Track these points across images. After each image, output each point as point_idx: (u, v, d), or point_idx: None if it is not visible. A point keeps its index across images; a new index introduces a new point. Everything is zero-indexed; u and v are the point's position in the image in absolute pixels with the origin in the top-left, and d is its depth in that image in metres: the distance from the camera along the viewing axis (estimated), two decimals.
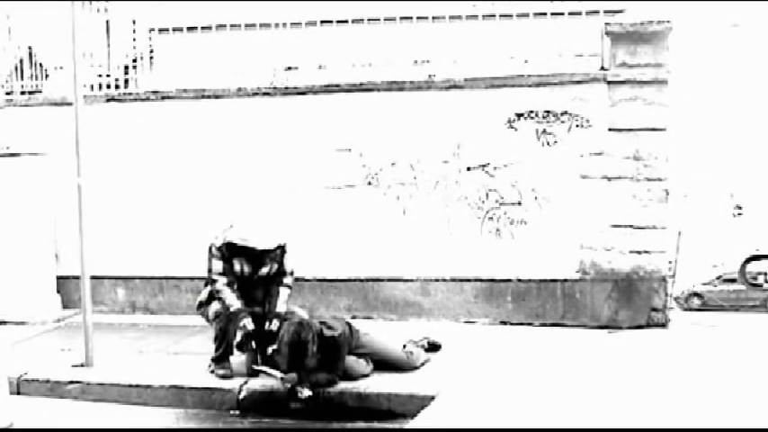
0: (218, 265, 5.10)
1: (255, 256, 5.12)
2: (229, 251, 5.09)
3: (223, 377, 5.07)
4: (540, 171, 6.69)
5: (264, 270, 5.21)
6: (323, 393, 4.73)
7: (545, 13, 6.94)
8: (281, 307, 5.19)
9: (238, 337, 5.15)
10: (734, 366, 5.21)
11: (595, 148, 6.61)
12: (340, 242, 6.97)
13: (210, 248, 5.13)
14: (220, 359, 5.13)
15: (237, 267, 5.13)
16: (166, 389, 5.04)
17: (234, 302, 5.03)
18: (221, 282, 5.08)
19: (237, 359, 5.23)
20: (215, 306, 5.14)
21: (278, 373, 4.77)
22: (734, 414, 4.13)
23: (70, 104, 5.53)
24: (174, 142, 7.28)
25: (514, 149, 6.72)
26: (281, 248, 5.24)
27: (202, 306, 5.27)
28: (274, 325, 5.06)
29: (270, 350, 5.21)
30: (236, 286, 5.11)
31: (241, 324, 5.03)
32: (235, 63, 7.32)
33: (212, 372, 5.14)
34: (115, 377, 5.20)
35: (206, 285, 5.25)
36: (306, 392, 4.63)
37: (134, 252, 7.38)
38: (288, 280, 5.30)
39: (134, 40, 8.22)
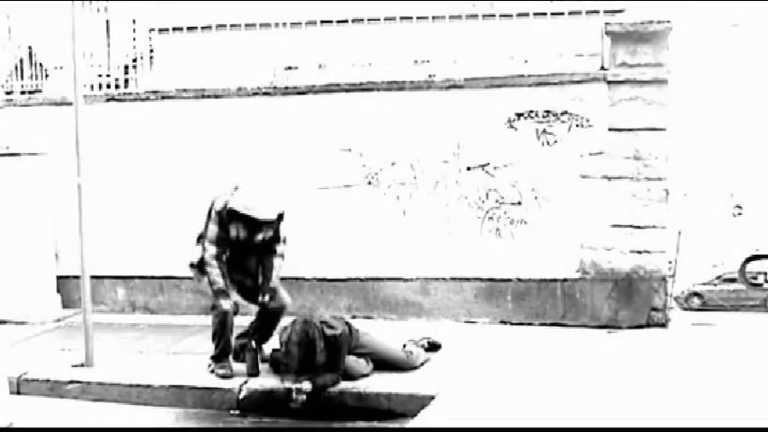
0: (213, 231, 5.05)
1: (254, 224, 5.08)
2: (229, 216, 5.03)
3: (223, 377, 5.06)
4: (540, 171, 6.69)
5: (260, 236, 5.16)
6: (323, 393, 4.73)
7: (545, 13, 6.94)
8: (275, 280, 5.23)
9: (235, 334, 5.17)
10: (734, 366, 5.21)
11: (595, 148, 6.61)
12: (340, 242, 6.97)
13: (210, 210, 5.08)
14: (220, 357, 5.13)
15: (234, 233, 5.08)
16: (166, 389, 5.04)
17: (218, 281, 5.01)
18: (210, 252, 5.04)
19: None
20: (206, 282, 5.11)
21: (293, 384, 4.67)
22: (734, 414, 4.13)
23: (70, 104, 5.53)
24: (175, 142, 7.28)
25: (514, 149, 6.73)
26: (280, 216, 5.21)
27: (194, 267, 5.21)
28: (268, 297, 5.15)
29: (270, 350, 5.22)
30: (225, 257, 5.09)
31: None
32: (235, 63, 7.31)
33: (212, 371, 5.13)
34: (115, 377, 5.19)
35: (198, 242, 5.17)
36: (301, 398, 4.61)
37: (134, 252, 7.39)
38: (281, 248, 5.29)
39: (134, 40, 8.22)
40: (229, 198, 5.04)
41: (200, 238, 5.16)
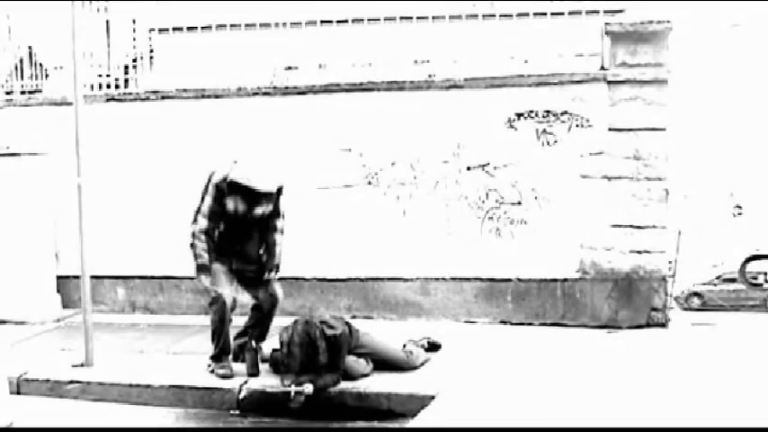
0: (207, 204, 5.02)
1: (253, 196, 5.05)
2: (229, 188, 5.00)
3: (223, 377, 5.05)
4: (540, 171, 6.70)
5: (259, 210, 5.13)
6: (323, 393, 4.73)
7: (545, 13, 6.95)
8: (278, 256, 5.26)
9: (232, 335, 5.17)
10: (734, 366, 5.21)
11: (595, 148, 6.61)
12: (340, 242, 6.97)
13: (208, 183, 5.04)
14: (219, 357, 5.12)
15: (232, 206, 5.04)
16: (166, 389, 5.04)
17: (203, 255, 4.99)
18: (201, 225, 5.00)
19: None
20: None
21: (294, 387, 4.65)
22: (734, 414, 4.13)
23: (70, 104, 5.53)
24: (175, 142, 7.28)
25: (514, 149, 6.73)
26: (279, 189, 5.21)
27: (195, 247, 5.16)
28: (273, 274, 5.21)
29: (270, 350, 5.22)
30: (217, 232, 5.06)
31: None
32: (235, 63, 7.31)
33: (212, 371, 5.13)
34: (115, 377, 5.20)
35: (194, 221, 5.09)
36: (300, 398, 4.61)
37: (134, 252, 7.39)
38: (281, 223, 5.29)
39: (134, 40, 8.22)
40: (229, 171, 5.01)
41: (196, 214, 5.10)
